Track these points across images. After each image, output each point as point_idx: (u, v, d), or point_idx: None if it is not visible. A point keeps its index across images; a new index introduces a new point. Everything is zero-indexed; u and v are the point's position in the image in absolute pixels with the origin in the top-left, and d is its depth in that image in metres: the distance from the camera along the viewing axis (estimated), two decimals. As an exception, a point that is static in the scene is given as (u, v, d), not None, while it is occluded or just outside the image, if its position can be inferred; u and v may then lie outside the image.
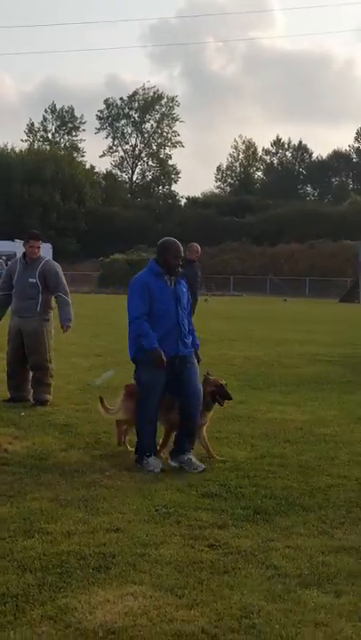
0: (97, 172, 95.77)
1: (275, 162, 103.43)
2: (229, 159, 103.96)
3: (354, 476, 7.06)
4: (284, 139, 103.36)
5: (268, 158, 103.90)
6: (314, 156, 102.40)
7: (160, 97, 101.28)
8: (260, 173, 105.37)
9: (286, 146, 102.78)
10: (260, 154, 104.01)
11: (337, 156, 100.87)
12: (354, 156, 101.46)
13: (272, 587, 4.57)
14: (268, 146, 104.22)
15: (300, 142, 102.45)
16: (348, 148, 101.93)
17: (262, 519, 5.82)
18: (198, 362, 7.73)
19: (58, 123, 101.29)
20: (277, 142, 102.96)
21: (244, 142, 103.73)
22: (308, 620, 4.14)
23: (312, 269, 66.47)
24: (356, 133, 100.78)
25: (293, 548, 5.22)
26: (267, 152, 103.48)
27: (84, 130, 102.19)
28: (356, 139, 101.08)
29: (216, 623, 4.07)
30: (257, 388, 12.18)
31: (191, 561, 4.94)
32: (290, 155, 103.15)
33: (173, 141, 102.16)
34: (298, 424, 9.42)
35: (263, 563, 4.95)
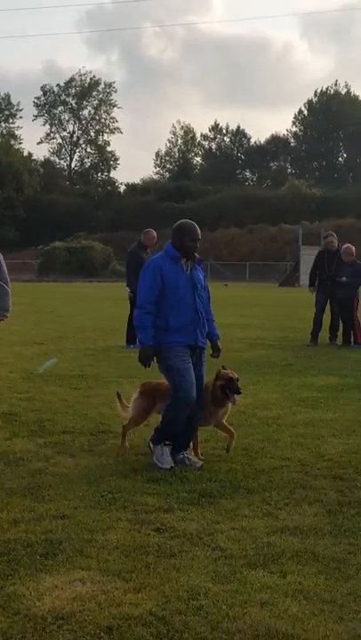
0: (35, 160, 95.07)
1: (213, 147, 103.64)
2: (168, 145, 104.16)
3: (297, 458, 7.16)
4: (222, 124, 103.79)
5: (206, 144, 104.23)
6: (252, 140, 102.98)
7: (97, 83, 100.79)
8: (198, 159, 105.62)
9: (224, 131, 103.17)
10: (198, 139, 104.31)
11: (275, 140, 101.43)
12: (292, 141, 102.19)
13: (218, 568, 4.63)
14: (206, 131, 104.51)
15: (238, 127, 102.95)
16: (285, 133, 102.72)
17: (207, 502, 5.88)
18: (218, 354, 7.30)
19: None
20: (215, 127, 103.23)
21: (182, 128, 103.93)
22: (254, 599, 4.21)
23: (252, 254, 66.88)
24: (294, 118, 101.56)
25: (239, 530, 5.29)
26: (205, 137, 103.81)
27: (21, 117, 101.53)
28: (293, 123, 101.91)
29: (164, 605, 4.12)
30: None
31: (138, 545, 4.98)
32: (228, 140, 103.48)
33: (112, 127, 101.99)
34: (241, 407, 9.48)
35: (209, 545, 5.01)
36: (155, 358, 6.96)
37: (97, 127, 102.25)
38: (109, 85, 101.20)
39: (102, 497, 5.93)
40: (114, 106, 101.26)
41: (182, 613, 4.03)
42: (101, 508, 5.68)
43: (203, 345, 7.03)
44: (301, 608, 4.12)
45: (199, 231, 7.05)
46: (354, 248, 16.52)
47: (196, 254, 7.06)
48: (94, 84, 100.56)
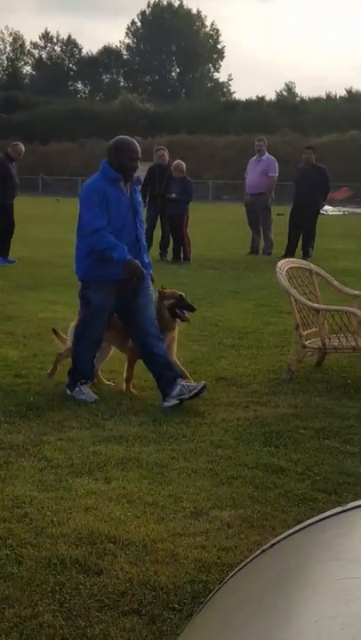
0: None
1: (44, 56, 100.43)
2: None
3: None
4: (53, 32, 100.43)
5: (36, 52, 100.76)
6: (84, 51, 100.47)
7: None
8: (28, 68, 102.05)
9: (55, 40, 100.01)
10: (28, 47, 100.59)
11: (107, 52, 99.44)
12: (125, 53, 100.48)
13: (44, 477, 4.72)
14: (36, 39, 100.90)
15: (70, 36, 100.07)
16: (118, 44, 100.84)
17: (35, 415, 5.93)
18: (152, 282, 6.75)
19: None
20: (46, 36, 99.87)
21: (10, 34, 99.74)
22: (78, 505, 4.34)
23: (85, 169, 65.66)
24: (127, 29, 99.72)
25: (65, 441, 5.38)
26: (35, 46, 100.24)
27: None
28: (126, 34, 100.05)
29: (-12, 515, 4.17)
30: (29, 288, 12.14)
31: None
32: (59, 49, 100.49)
33: None
34: (70, 323, 9.50)
35: (35, 455, 5.08)
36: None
37: None
38: None
39: None
40: None
41: (7, 521, 4.10)
42: None
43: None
44: (124, 511, 4.29)
45: (139, 148, 6.38)
46: (184, 164, 16.63)
47: (134, 174, 6.45)
48: None
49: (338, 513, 1.76)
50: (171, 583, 3.55)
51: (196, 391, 6.21)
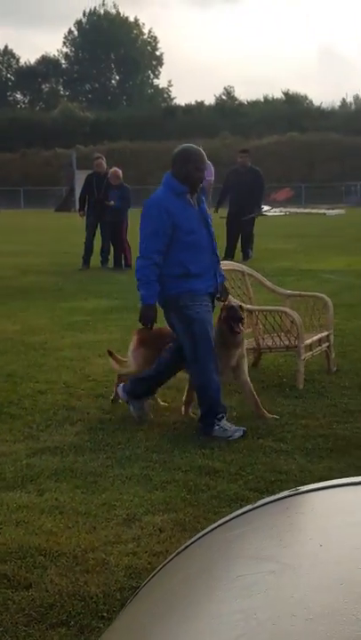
0: None
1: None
2: None
3: (62, 380, 7.26)
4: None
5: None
6: (21, 61, 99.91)
7: None
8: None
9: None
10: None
11: (46, 61, 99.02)
12: (63, 62, 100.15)
13: (-25, 494, 4.68)
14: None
15: (7, 47, 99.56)
16: (56, 53, 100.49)
17: (-32, 430, 5.87)
18: (226, 296, 6.20)
19: None
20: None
21: None
22: (9, 520, 4.30)
23: (26, 179, 65.55)
24: (64, 38, 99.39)
25: (-2, 455, 5.34)
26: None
27: None
28: (64, 43, 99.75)
29: None
30: (-32, 302, 12.02)
31: None
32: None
33: None
34: (8, 334, 9.46)
35: (-33, 472, 5.03)
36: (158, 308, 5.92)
37: None
38: None
39: None
40: None
41: None
42: None
43: (216, 290, 5.99)
44: (56, 522, 4.26)
45: (205, 158, 5.80)
46: (121, 171, 16.62)
47: (201, 185, 5.94)
48: None
49: (247, 511, 1.78)
50: (100, 592, 3.54)
51: (141, 416, 6.07)
